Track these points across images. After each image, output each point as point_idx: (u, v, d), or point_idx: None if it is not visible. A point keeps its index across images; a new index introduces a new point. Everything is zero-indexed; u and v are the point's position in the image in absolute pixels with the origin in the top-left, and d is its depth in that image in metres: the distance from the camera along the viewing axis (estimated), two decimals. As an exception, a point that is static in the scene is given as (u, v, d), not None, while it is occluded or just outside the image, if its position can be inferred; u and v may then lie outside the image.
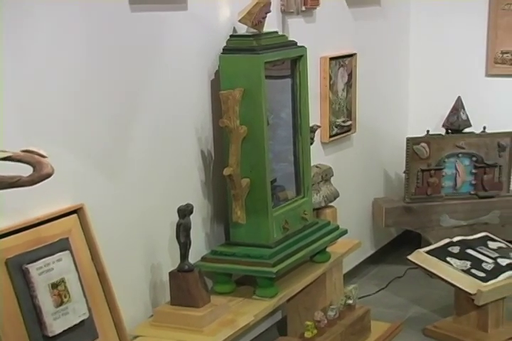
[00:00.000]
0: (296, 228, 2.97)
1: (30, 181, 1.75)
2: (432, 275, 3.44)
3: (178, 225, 2.55)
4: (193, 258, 2.71)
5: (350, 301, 3.21)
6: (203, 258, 2.81)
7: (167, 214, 2.66)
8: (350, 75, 3.82)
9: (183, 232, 2.55)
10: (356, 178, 4.08)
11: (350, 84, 3.83)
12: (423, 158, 4.04)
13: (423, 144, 4.02)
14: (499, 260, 3.42)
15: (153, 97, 2.61)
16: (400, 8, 4.33)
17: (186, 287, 2.52)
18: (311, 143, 3.14)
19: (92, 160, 2.39)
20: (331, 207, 3.46)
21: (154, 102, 2.62)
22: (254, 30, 2.81)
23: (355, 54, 3.82)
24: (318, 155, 3.55)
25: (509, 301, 3.58)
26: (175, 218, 2.56)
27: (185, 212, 2.55)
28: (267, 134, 2.77)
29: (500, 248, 3.56)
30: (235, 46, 2.76)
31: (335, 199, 3.48)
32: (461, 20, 4.33)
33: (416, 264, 3.46)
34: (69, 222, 2.29)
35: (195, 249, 2.71)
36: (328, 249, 3.13)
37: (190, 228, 2.56)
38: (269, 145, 2.81)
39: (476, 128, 4.11)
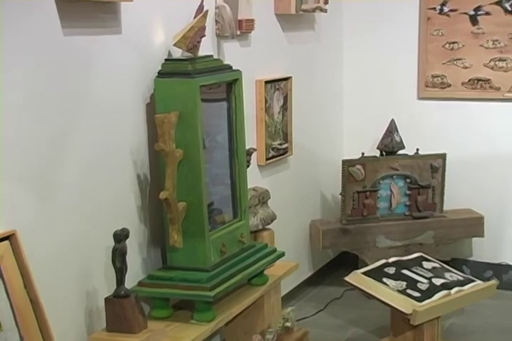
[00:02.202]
0: (233, 251, 2.97)
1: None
2: (368, 296, 3.46)
3: (114, 250, 2.52)
4: (130, 283, 2.68)
5: (288, 324, 3.21)
6: (140, 283, 2.78)
7: (102, 239, 2.62)
8: (285, 98, 3.86)
9: (118, 257, 2.52)
10: (293, 200, 4.11)
11: (285, 107, 3.87)
12: (358, 180, 4.09)
13: (358, 166, 4.08)
14: (434, 280, 3.47)
15: (87, 120, 2.59)
16: (333, 33, 4.41)
17: (122, 313, 2.49)
18: (248, 166, 3.15)
19: (24, 184, 2.35)
20: (268, 229, 3.47)
21: (88, 126, 2.59)
22: (190, 54, 2.82)
23: (290, 77, 3.87)
24: (254, 178, 3.56)
25: (444, 320, 3.64)
26: (110, 243, 2.53)
27: (120, 236, 2.53)
28: (203, 157, 2.77)
29: (434, 268, 3.62)
30: (170, 70, 2.76)
31: (272, 221, 3.49)
32: (393, 45, 4.43)
33: (353, 285, 3.49)
34: (0, 249, 2.24)
35: (131, 274, 2.68)
36: (265, 272, 3.13)
37: (126, 253, 2.53)
38: (206, 168, 2.81)
39: (409, 150, 4.18)
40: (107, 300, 2.53)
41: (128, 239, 2.56)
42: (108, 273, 2.63)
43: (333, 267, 4.50)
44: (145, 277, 2.82)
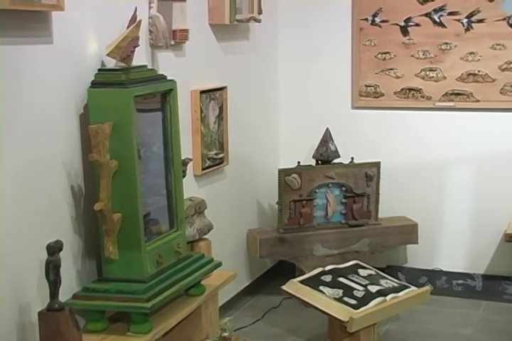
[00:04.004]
0: (170, 262, 2.95)
1: None
2: (306, 304, 3.48)
3: (47, 263, 2.48)
4: (65, 296, 2.64)
5: (226, 334, 3.21)
6: (75, 296, 2.74)
7: (35, 251, 2.57)
8: (221, 108, 3.87)
9: (52, 270, 2.48)
10: (230, 210, 4.11)
11: (221, 117, 3.87)
12: (295, 189, 4.12)
13: (294, 175, 4.11)
14: (369, 287, 3.51)
15: (18, 131, 2.54)
16: (268, 43, 4.44)
17: (56, 327, 2.44)
18: (184, 176, 3.15)
19: (-47, 197, 2.30)
20: (205, 239, 3.47)
21: (19, 137, 2.54)
22: (123, 64, 2.81)
23: (225, 87, 3.88)
24: (191, 188, 3.56)
25: (380, 327, 3.69)
26: (44, 255, 2.49)
27: (54, 249, 2.49)
28: (139, 168, 2.75)
29: (370, 275, 3.66)
30: (104, 80, 2.74)
31: (209, 231, 3.48)
32: (327, 54, 4.48)
33: (290, 294, 3.51)
34: None
35: (66, 287, 2.64)
36: (203, 282, 3.12)
37: (59, 265, 2.49)
38: (141, 179, 2.79)
39: (344, 158, 4.23)
40: (40, 314, 2.49)
41: (62, 251, 2.51)
42: (41, 286, 2.58)
43: (271, 276, 4.52)
44: (80, 290, 2.79)
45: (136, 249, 2.76)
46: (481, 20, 4.19)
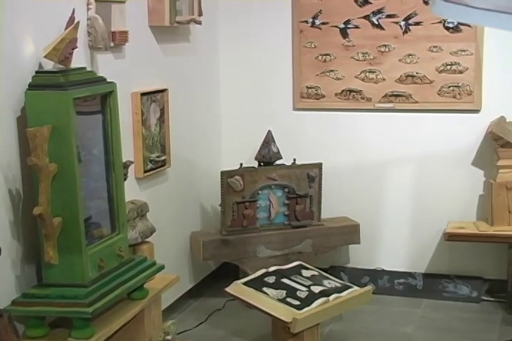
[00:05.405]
0: (112, 266, 2.93)
1: None
2: (250, 306, 3.49)
3: (-15, 269, 2.44)
4: (4, 302, 2.60)
5: (169, 337, 3.20)
6: (14, 302, 2.69)
7: (-28, 257, 2.53)
8: (162, 110, 3.85)
9: (-10, 276, 2.44)
10: (173, 213, 4.09)
11: (162, 119, 3.85)
12: (237, 191, 4.12)
13: (237, 177, 4.11)
14: (312, 287, 3.53)
15: (-46, 135, 2.49)
16: (208, 45, 4.43)
17: (-5, 334, 2.40)
18: (125, 179, 3.12)
19: None
20: (148, 242, 3.44)
21: (-45, 141, 2.50)
22: (61, 66, 2.77)
23: (166, 89, 3.86)
24: (133, 190, 3.53)
25: (323, 327, 3.72)
26: (-19, 261, 2.45)
27: (-8, 254, 2.45)
28: (79, 171, 2.73)
29: (313, 276, 3.69)
30: (42, 82, 2.70)
31: (151, 234, 3.46)
32: (268, 56, 4.49)
33: (234, 296, 3.51)
34: None
35: (4, 293, 2.60)
36: (145, 286, 3.10)
37: (-3, 271, 2.45)
38: (82, 182, 2.77)
39: (286, 160, 4.25)
40: (-22, 321, 2.44)
41: (0, 257, 2.47)
42: (-21, 293, 2.53)
43: (215, 278, 4.51)
44: (19, 296, 2.74)
45: (77, 253, 2.73)
46: (418, 23, 4.26)
